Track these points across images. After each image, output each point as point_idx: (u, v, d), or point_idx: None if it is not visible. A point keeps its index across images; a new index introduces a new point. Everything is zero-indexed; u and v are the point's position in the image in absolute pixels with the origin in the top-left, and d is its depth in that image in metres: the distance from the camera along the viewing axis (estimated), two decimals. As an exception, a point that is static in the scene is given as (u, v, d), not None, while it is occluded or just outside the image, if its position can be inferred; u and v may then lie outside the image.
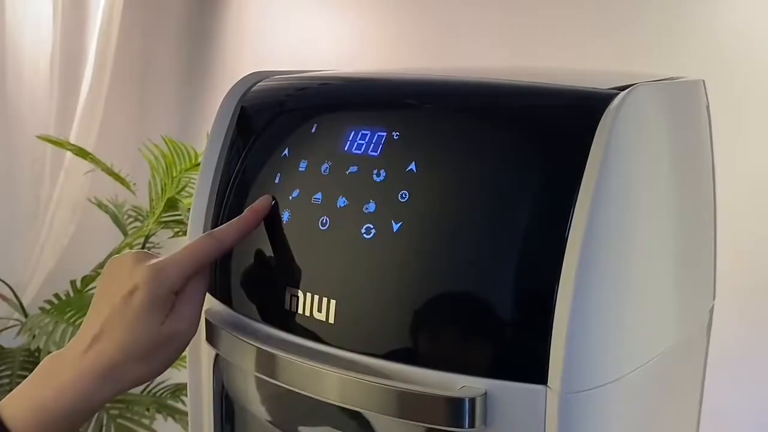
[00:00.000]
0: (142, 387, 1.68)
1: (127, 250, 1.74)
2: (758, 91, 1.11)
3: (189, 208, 0.69)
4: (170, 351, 0.55)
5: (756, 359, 1.12)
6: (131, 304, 0.53)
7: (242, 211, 0.63)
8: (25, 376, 1.73)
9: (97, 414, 1.64)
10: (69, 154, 1.94)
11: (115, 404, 1.67)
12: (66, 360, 0.54)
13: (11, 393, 0.54)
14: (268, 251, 0.60)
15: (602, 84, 0.53)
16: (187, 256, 0.56)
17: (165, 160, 1.75)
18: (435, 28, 1.60)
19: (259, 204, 0.59)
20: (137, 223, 1.86)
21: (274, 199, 0.59)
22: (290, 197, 0.59)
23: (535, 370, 0.48)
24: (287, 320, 0.58)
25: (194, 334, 0.57)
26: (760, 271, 1.10)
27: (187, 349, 0.58)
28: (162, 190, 1.75)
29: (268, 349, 0.56)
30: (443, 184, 0.53)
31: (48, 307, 1.61)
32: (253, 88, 0.67)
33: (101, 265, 1.72)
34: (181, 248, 0.57)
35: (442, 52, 1.55)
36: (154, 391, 1.73)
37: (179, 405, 1.71)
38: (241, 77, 0.68)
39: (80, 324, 1.72)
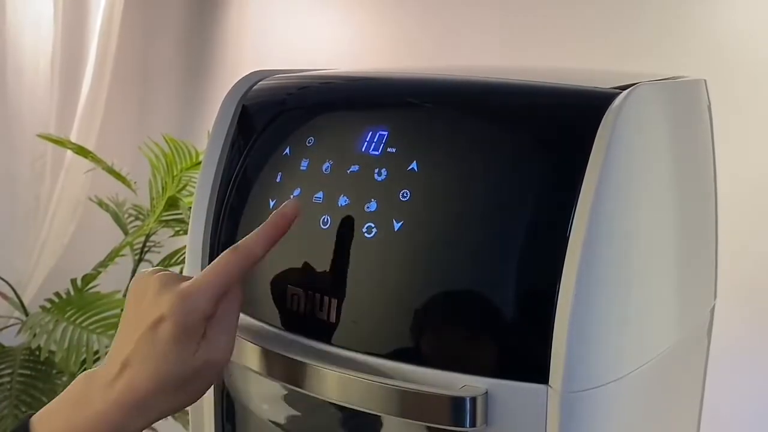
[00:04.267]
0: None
1: (127, 249, 1.75)
2: (759, 90, 1.10)
3: (190, 207, 0.68)
4: (204, 381, 0.52)
5: (757, 359, 1.12)
6: (159, 335, 0.50)
7: (243, 211, 0.63)
8: (26, 375, 1.73)
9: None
10: (69, 152, 1.94)
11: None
12: (98, 385, 0.51)
13: (45, 409, 0.52)
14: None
15: (604, 83, 0.53)
16: (215, 278, 0.51)
17: (166, 158, 1.75)
18: (436, 27, 1.59)
19: (288, 208, 0.54)
20: (138, 222, 1.86)
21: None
22: (291, 196, 0.59)
23: (536, 370, 0.48)
24: (288, 319, 0.58)
25: (228, 361, 0.53)
26: (762, 271, 1.10)
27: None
28: (163, 188, 1.75)
29: (269, 348, 0.56)
30: (444, 183, 0.53)
31: (48, 305, 1.61)
32: (254, 87, 0.67)
33: (102, 264, 1.72)
34: (207, 268, 0.52)
35: (443, 52, 1.55)
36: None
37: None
38: (242, 76, 0.68)
39: (81, 323, 1.70)
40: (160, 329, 0.50)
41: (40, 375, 1.63)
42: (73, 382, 0.53)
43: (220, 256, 0.53)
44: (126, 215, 1.88)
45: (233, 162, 0.65)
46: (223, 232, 0.64)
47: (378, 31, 1.74)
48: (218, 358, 0.52)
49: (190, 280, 0.52)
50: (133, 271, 1.81)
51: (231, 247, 0.53)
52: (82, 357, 1.50)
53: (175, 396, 0.51)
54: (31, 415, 0.52)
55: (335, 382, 0.53)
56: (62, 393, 0.53)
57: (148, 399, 0.50)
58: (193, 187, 1.70)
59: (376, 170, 0.55)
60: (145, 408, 0.50)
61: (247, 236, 0.54)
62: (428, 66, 0.67)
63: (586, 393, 0.47)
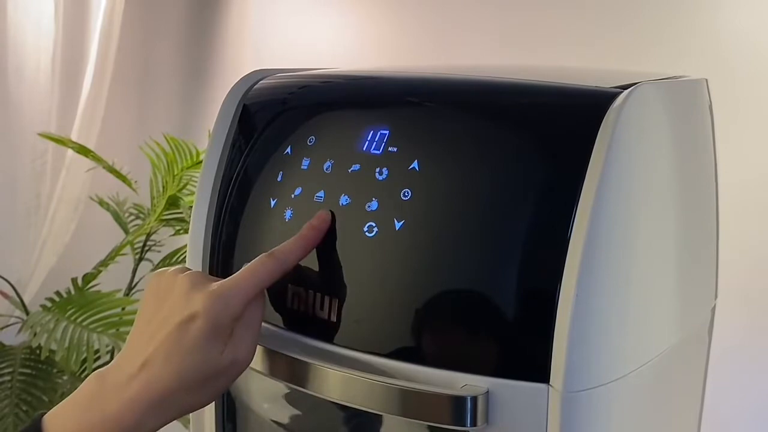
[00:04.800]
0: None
1: (127, 248, 1.75)
2: (759, 90, 1.10)
3: (190, 206, 0.68)
4: (225, 380, 0.52)
5: (757, 359, 1.12)
6: (189, 332, 0.50)
7: (244, 210, 0.63)
8: (27, 374, 1.73)
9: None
10: (70, 151, 1.94)
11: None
12: (113, 383, 0.51)
13: (56, 410, 0.51)
14: (271, 249, 0.60)
15: (605, 83, 0.53)
16: (249, 280, 0.52)
17: (166, 157, 1.75)
18: (436, 26, 1.60)
19: (319, 221, 0.56)
20: (138, 221, 1.86)
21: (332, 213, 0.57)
22: (292, 195, 0.59)
23: (537, 369, 0.48)
24: (289, 318, 0.58)
25: (251, 362, 0.53)
26: (762, 271, 1.10)
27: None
28: (163, 187, 1.75)
29: (270, 347, 0.57)
30: (445, 182, 0.53)
31: (49, 304, 1.61)
32: (255, 86, 0.67)
33: (103, 263, 1.72)
34: (241, 270, 0.53)
35: (444, 51, 1.55)
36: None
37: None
38: (243, 75, 0.68)
39: (82, 322, 1.69)
40: (192, 327, 0.50)
41: (41, 374, 1.63)
42: (84, 381, 0.52)
43: (254, 260, 0.53)
44: (126, 214, 1.88)
45: (234, 161, 0.65)
46: (224, 231, 0.64)
47: (378, 30, 1.74)
48: (243, 359, 0.52)
49: (222, 281, 0.52)
50: (134, 271, 1.81)
51: (266, 253, 0.54)
52: (83, 356, 1.50)
53: (194, 395, 0.51)
54: (42, 414, 0.51)
55: (337, 382, 0.53)
56: (74, 392, 0.52)
57: (168, 397, 0.50)
58: (194, 186, 1.70)
59: (377, 169, 0.55)
60: (163, 407, 0.50)
61: (281, 244, 0.55)
62: (429, 65, 0.67)
63: (587, 392, 0.47)
